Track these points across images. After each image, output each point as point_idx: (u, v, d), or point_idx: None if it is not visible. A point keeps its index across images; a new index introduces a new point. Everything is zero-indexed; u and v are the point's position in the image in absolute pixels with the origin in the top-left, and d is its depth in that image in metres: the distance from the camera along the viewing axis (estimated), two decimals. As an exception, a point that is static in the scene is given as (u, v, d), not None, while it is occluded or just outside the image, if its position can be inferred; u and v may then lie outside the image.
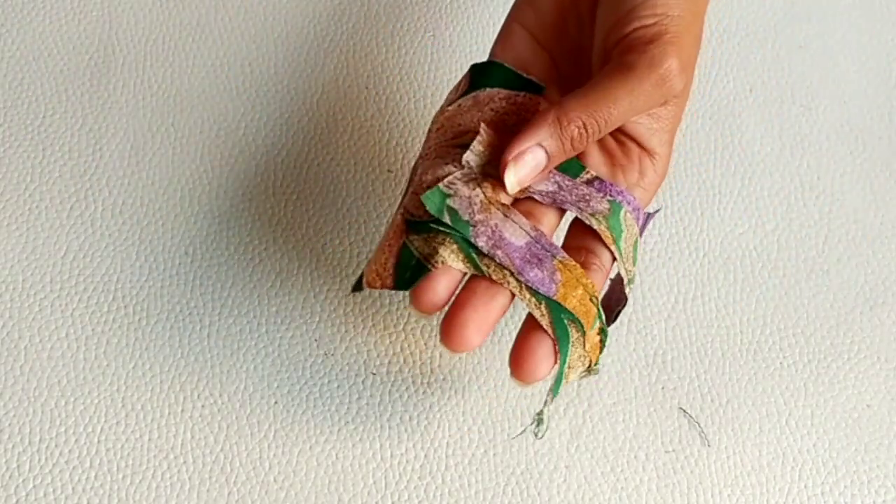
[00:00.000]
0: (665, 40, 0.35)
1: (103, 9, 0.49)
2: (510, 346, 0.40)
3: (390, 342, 0.43)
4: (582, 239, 0.38)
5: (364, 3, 0.50)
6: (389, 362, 0.42)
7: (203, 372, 0.42)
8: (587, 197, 0.37)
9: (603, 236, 0.37)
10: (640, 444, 0.41)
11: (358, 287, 0.36)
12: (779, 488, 0.41)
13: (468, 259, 0.35)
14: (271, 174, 0.46)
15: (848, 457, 0.42)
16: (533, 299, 0.35)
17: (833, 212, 0.47)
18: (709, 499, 0.41)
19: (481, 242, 0.35)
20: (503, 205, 0.36)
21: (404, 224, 0.36)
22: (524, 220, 0.36)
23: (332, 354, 0.42)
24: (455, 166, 0.36)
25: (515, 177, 0.35)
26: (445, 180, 0.36)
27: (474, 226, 0.35)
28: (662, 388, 0.42)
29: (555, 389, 0.36)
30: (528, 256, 0.35)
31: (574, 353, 0.36)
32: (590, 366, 0.37)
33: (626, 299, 0.38)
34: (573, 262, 0.36)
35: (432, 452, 0.41)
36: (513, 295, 0.35)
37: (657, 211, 0.42)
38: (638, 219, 0.38)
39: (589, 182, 0.38)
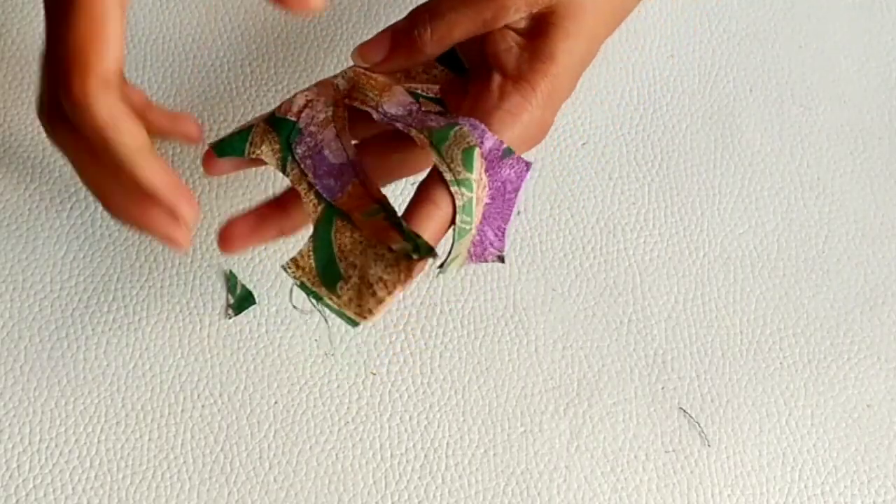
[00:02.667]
0: None
1: (103, 9, 0.49)
2: (505, 348, 0.40)
3: (390, 342, 0.43)
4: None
5: (364, 3, 0.50)
6: (389, 362, 0.42)
7: (203, 372, 0.42)
8: (428, 122, 0.37)
9: (416, 138, 0.36)
10: (640, 444, 0.41)
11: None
12: (779, 488, 0.41)
13: (281, 161, 0.37)
14: (271, 174, 0.46)
15: (848, 457, 0.42)
16: (314, 200, 0.37)
17: (833, 212, 0.47)
18: (709, 499, 0.41)
19: (299, 150, 0.37)
20: (341, 125, 0.38)
21: (268, 116, 0.39)
22: (351, 145, 0.38)
23: (332, 354, 0.42)
24: (329, 88, 0.39)
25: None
26: (306, 94, 0.39)
27: (301, 134, 0.38)
28: (662, 388, 0.42)
29: (324, 280, 0.36)
30: (333, 171, 0.37)
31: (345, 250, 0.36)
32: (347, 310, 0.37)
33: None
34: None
35: (432, 452, 0.41)
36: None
37: (529, 164, 0.37)
38: (482, 139, 0.36)
39: (442, 113, 0.39)
